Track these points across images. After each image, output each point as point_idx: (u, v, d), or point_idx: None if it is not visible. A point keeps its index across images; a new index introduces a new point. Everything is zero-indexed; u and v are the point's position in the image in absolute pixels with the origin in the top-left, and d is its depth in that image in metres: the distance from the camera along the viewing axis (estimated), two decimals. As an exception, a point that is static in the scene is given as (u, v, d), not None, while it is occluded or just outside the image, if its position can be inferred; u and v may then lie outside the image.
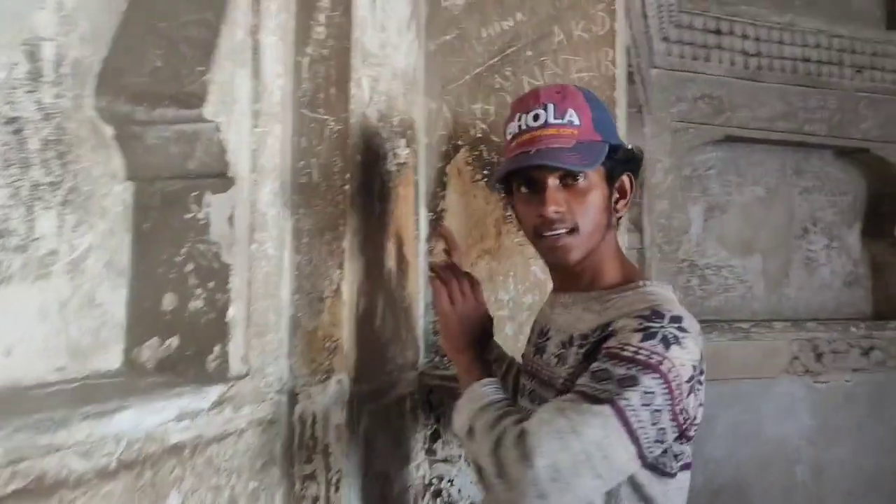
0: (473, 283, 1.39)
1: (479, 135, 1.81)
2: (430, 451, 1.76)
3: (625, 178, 1.22)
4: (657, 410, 1.01)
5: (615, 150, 1.18)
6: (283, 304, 1.42)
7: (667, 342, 1.03)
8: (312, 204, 1.43)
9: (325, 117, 1.42)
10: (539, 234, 1.19)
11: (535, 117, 1.17)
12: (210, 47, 1.25)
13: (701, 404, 1.11)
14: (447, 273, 1.38)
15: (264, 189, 1.36)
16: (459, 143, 1.83)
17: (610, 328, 1.09)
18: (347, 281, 1.41)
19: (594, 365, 1.05)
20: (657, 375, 1.01)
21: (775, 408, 3.57)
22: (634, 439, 0.99)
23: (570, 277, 1.25)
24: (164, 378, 1.26)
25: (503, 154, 1.25)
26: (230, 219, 1.29)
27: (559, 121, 1.16)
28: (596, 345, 1.10)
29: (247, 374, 1.31)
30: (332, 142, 1.42)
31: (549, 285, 1.75)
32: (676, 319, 1.06)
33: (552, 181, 1.15)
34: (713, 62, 3.48)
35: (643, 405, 1.00)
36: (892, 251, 3.94)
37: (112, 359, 1.30)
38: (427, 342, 1.78)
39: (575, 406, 1.00)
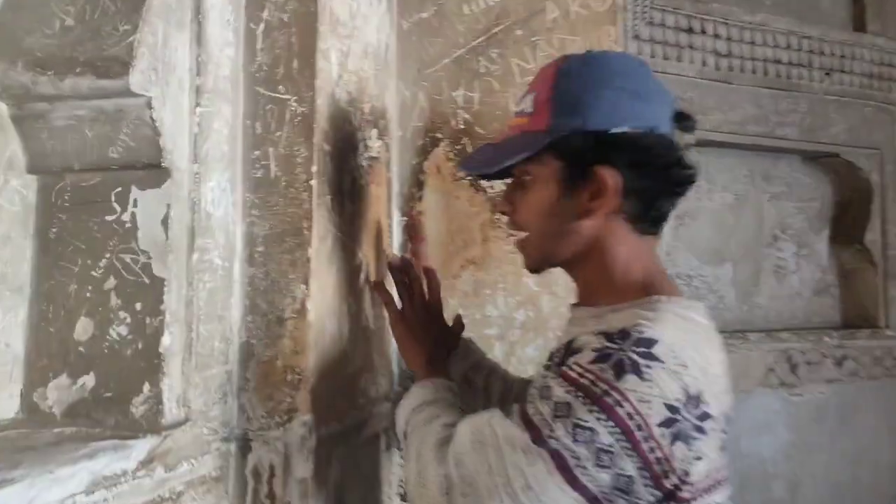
0: (430, 280, 1.32)
1: (462, 126, 1.56)
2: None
3: (598, 171, 0.96)
4: (605, 451, 0.83)
5: (582, 136, 0.97)
6: (233, 329, 1.14)
7: (620, 369, 0.83)
8: (270, 203, 1.15)
9: (286, 97, 1.15)
10: None
11: (519, 101, 1.07)
12: (137, 1, 0.97)
13: (699, 458, 0.85)
14: (396, 273, 1.32)
15: (209, 184, 1.08)
16: (438, 135, 1.57)
17: (573, 345, 0.91)
18: (314, 298, 1.13)
19: (543, 380, 0.91)
20: (597, 409, 0.83)
21: (752, 422, 3.41)
22: (572, 479, 0.83)
23: (580, 290, 1.07)
24: (76, 428, 0.98)
25: None
26: (165, 221, 1.01)
27: (518, 108, 1.05)
28: (559, 361, 0.93)
29: (185, 420, 1.03)
30: (294, 126, 1.14)
31: (544, 299, 1.50)
32: (645, 343, 0.85)
33: (514, 174, 1.06)
34: (685, 62, 3.31)
35: (577, 441, 0.83)
36: (861, 258, 3.84)
37: (6, 403, 1.00)
38: (401, 367, 1.52)
39: (505, 420, 0.92)
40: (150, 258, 1.01)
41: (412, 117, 1.58)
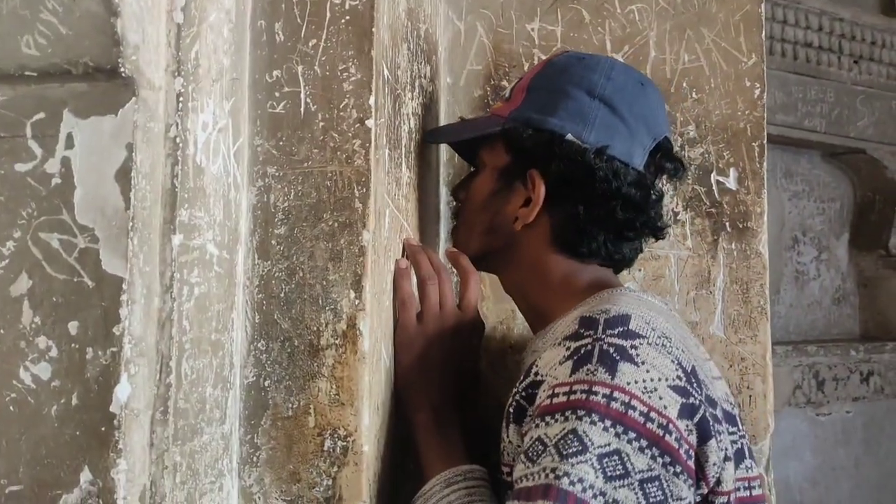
0: (465, 282, 0.91)
1: (538, 71, 1.12)
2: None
3: (532, 175, 0.85)
4: (649, 480, 0.64)
5: (525, 131, 0.85)
6: (235, 363, 0.68)
7: (609, 361, 0.68)
8: (297, 156, 0.70)
9: (326, -19, 0.70)
10: None
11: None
12: None
13: (728, 458, 0.71)
14: (422, 259, 0.88)
15: (200, 116, 0.63)
16: (504, 84, 1.14)
17: (534, 370, 0.74)
18: (370, 314, 0.69)
19: (525, 441, 0.69)
20: (610, 422, 0.65)
21: (779, 446, 3.07)
22: None
23: (524, 315, 0.93)
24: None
25: None
26: (123, 175, 0.56)
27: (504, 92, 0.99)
28: (521, 403, 0.73)
29: (156, 528, 0.57)
30: (341, 31, 0.70)
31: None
32: (616, 322, 0.72)
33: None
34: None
35: (610, 480, 0.63)
36: (883, 264, 3.55)
37: None
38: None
39: None
40: (95, 241, 0.56)
41: (467, 58, 1.15)
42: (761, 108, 1.10)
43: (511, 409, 0.75)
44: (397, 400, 0.84)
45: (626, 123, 0.85)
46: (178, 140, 0.60)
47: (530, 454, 0.68)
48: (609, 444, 0.65)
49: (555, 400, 0.69)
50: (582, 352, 0.70)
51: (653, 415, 0.67)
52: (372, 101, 0.70)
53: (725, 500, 0.71)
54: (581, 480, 0.63)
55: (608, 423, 0.66)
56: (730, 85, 1.09)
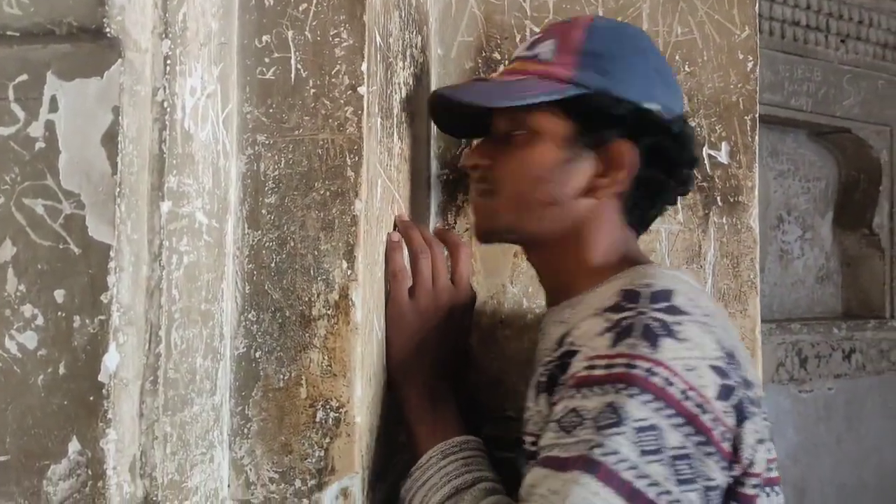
0: (455, 257, 0.90)
1: (531, 43, 1.11)
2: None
3: (619, 144, 0.82)
4: (680, 458, 0.64)
5: (610, 100, 0.81)
6: (225, 334, 0.67)
7: (652, 336, 0.67)
8: (288, 123, 0.69)
9: (318, -59, 0.68)
10: None
11: (529, 47, 0.88)
12: None
13: (761, 440, 0.70)
14: (414, 233, 0.87)
15: (188, 80, 0.61)
16: (496, 56, 1.12)
17: (567, 340, 0.73)
18: (362, 284, 0.68)
19: (558, 409, 0.69)
20: (651, 396, 0.65)
21: (762, 423, 3.10)
22: None
23: (543, 283, 0.91)
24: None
25: None
26: (110, 139, 0.54)
27: (526, 53, 0.87)
28: (554, 372, 0.73)
29: (144, 499, 0.57)
30: (332, -6, 0.68)
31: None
32: (660, 296, 0.70)
33: (497, 128, 0.87)
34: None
35: (645, 454, 0.63)
36: (866, 243, 3.58)
37: None
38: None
39: (545, 497, 0.65)
40: (81, 207, 0.54)
41: (458, 29, 1.13)
42: (754, 82, 1.09)
43: (543, 379, 0.74)
44: (389, 375, 0.83)
45: (674, 92, 0.87)
46: (165, 104, 0.58)
47: (564, 424, 0.68)
48: (647, 419, 0.65)
49: (593, 372, 0.68)
50: (624, 324, 0.69)
51: (691, 393, 0.66)
52: (364, 67, 0.68)
53: (758, 482, 0.71)
54: (616, 452, 0.64)
55: (648, 397, 0.65)
56: (723, 58, 1.08)
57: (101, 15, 0.54)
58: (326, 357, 0.67)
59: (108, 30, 0.54)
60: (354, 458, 0.68)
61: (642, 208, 0.86)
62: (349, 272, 0.68)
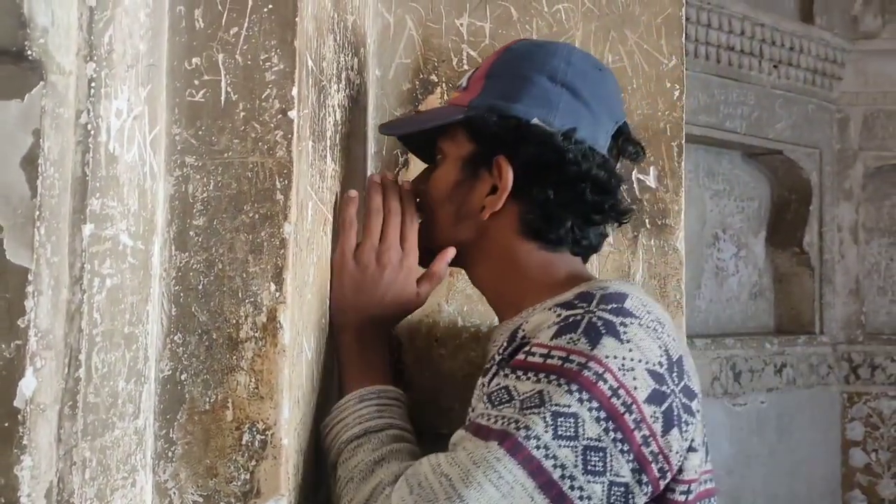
0: (404, 223, 0.92)
1: (466, 66, 1.13)
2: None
3: (499, 161, 0.84)
4: (593, 449, 0.67)
5: (493, 118, 0.84)
6: (150, 357, 0.67)
7: (594, 333, 0.70)
8: (217, 146, 0.69)
9: (248, -33, 0.69)
10: None
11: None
12: None
13: (693, 448, 0.73)
14: (375, 194, 0.91)
15: (114, 103, 0.61)
16: (433, 78, 1.14)
17: (520, 334, 0.78)
18: (290, 307, 0.68)
19: (492, 383, 0.75)
20: (577, 387, 0.68)
21: (697, 436, 3.17)
22: (558, 498, 0.66)
23: (493, 304, 0.93)
24: None
25: None
26: (30, 162, 0.54)
27: (459, 83, 0.93)
28: (503, 364, 0.77)
29: (63, 525, 0.56)
30: (264, 19, 0.69)
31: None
32: (612, 298, 0.73)
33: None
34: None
35: (557, 437, 0.67)
36: (797, 261, 3.71)
37: None
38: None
39: (456, 453, 0.70)
40: (-1, 230, 0.53)
41: (396, 51, 1.14)
42: (680, 109, 1.14)
43: (489, 367, 0.79)
44: (330, 320, 0.88)
45: (590, 108, 0.85)
46: (89, 127, 0.58)
47: (493, 399, 0.72)
48: (569, 406, 0.68)
49: (529, 358, 0.72)
50: (570, 320, 0.72)
51: (621, 392, 0.69)
52: (295, 91, 0.69)
53: (686, 488, 0.74)
54: (528, 428, 0.68)
55: (574, 387, 0.68)
56: (651, 86, 1.12)
57: (22, 38, 0.54)
58: (254, 379, 0.68)
59: (29, 52, 0.54)
60: (281, 480, 0.68)
61: (547, 228, 0.85)
62: (277, 295, 0.68)
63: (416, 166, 1.13)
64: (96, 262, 0.59)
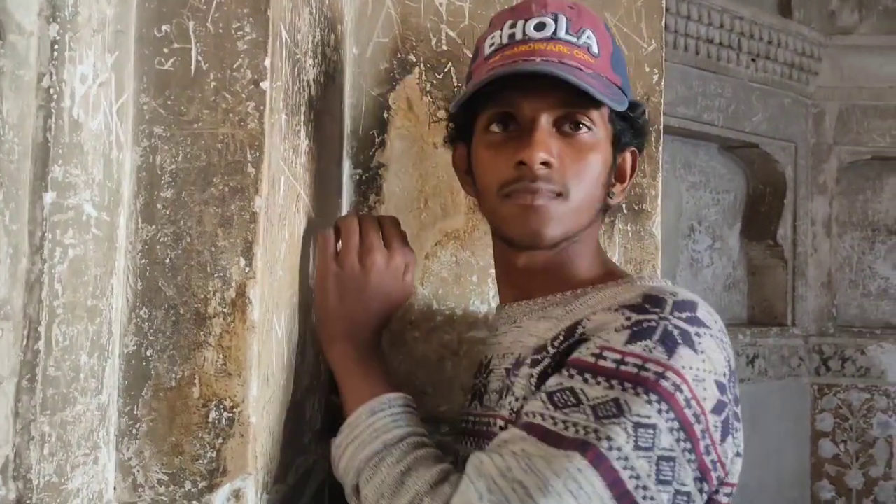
0: (385, 224, 0.91)
1: (445, 46, 1.12)
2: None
3: (628, 154, 0.89)
4: (666, 459, 0.67)
5: (631, 109, 0.86)
6: (114, 331, 0.65)
7: (670, 342, 0.69)
8: (187, 116, 0.67)
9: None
10: (507, 193, 0.80)
11: (540, 26, 0.81)
12: None
13: (738, 454, 0.75)
14: (349, 221, 0.89)
15: (78, 67, 0.59)
16: (411, 58, 1.13)
17: (579, 331, 0.75)
18: (260, 282, 0.67)
19: (551, 382, 0.71)
20: (656, 397, 0.68)
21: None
22: None
23: (527, 278, 0.86)
24: None
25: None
26: (-13, 125, 0.52)
27: (572, 38, 0.81)
28: (559, 359, 0.74)
29: (17, 502, 0.54)
30: (235, -16, 0.67)
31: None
32: (685, 306, 0.73)
33: (545, 119, 0.80)
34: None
35: (637, 448, 0.66)
36: (771, 254, 3.74)
37: None
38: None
39: (528, 457, 0.67)
40: (-46, 195, 0.51)
41: (374, 30, 1.13)
42: (659, 94, 1.13)
43: (542, 365, 0.76)
44: (315, 338, 0.85)
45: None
46: (52, 91, 0.56)
47: (556, 400, 0.70)
48: (649, 417, 0.67)
49: (600, 362, 0.70)
50: (644, 326, 0.70)
51: (693, 402, 0.69)
52: (268, 62, 0.67)
53: (730, 491, 0.75)
54: (610, 440, 0.66)
55: (653, 397, 0.68)
56: (630, 70, 1.11)
57: (-21, -6, 0.51)
58: (221, 356, 0.66)
59: (-12, 11, 0.52)
60: (248, 458, 0.67)
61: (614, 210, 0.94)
62: (247, 270, 0.67)
63: (392, 148, 1.12)
64: (58, 231, 0.57)
